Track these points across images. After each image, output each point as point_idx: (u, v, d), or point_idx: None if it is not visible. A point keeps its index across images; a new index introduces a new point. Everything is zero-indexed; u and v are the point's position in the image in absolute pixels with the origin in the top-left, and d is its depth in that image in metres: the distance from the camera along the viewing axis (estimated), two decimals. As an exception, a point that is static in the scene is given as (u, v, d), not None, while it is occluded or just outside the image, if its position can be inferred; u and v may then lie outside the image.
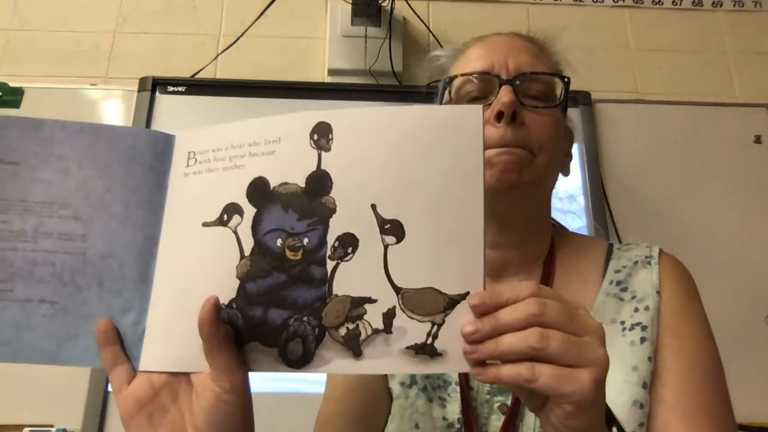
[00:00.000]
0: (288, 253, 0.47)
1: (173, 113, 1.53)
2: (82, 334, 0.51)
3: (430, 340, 0.44)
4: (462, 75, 0.69)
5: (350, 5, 1.63)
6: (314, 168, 0.47)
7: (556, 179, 0.73)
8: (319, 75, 1.66)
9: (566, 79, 0.69)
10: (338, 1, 1.66)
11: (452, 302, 0.44)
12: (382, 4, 1.63)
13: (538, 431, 0.60)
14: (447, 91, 0.71)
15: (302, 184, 0.47)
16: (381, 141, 0.47)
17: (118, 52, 1.66)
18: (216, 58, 1.64)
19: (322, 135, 0.48)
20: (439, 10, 1.74)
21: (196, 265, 0.49)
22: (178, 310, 0.47)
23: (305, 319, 0.46)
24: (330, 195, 0.47)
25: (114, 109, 1.55)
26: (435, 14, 1.73)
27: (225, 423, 0.46)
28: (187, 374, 0.48)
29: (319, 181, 0.47)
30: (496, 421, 0.63)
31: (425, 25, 1.70)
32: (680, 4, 1.79)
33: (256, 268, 0.47)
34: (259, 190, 0.48)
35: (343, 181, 0.47)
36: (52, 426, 1.28)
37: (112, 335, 0.49)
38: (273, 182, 0.48)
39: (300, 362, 0.45)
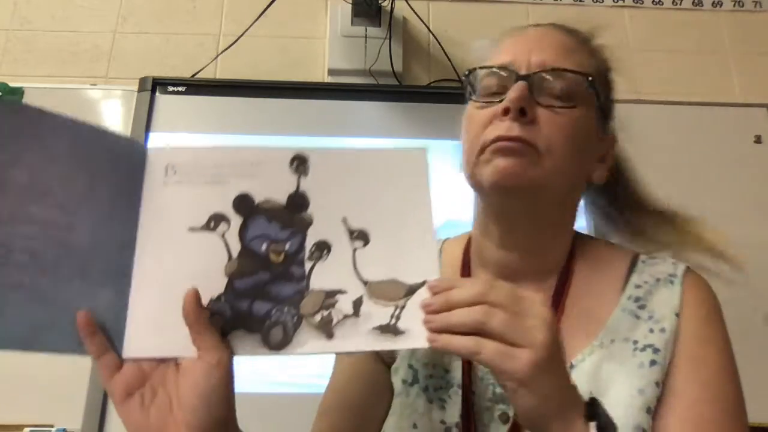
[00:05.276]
0: (272, 256, 0.56)
1: (173, 113, 1.53)
2: (62, 322, 0.50)
3: (393, 321, 0.53)
4: (481, 68, 0.68)
5: (350, 5, 1.63)
6: (294, 189, 0.57)
7: (578, 185, 0.68)
8: (319, 75, 1.66)
9: (590, 78, 0.65)
10: (338, 1, 1.66)
11: (411, 289, 0.54)
12: (382, 4, 1.63)
13: None
14: (469, 85, 0.69)
15: (283, 202, 0.57)
16: (349, 171, 0.59)
17: (118, 52, 1.66)
18: (216, 58, 1.65)
19: (300, 163, 0.58)
20: (439, 10, 1.74)
21: (184, 264, 0.55)
22: (166, 303, 0.53)
23: (286, 309, 0.54)
24: (308, 211, 0.57)
25: (114, 109, 1.55)
26: (435, 14, 1.73)
27: (211, 397, 0.50)
28: (174, 360, 0.53)
29: (299, 200, 0.57)
30: (496, 429, 0.62)
31: (425, 25, 1.70)
32: (680, 4, 1.79)
33: (243, 268, 0.55)
34: (245, 203, 0.57)
35: (318, 200, 0.57)
36: (52, 426, 1.29)
37: (93, 326, 0.51)
38: (256, 198, 0.57)
39: (280, 345, 0.53)
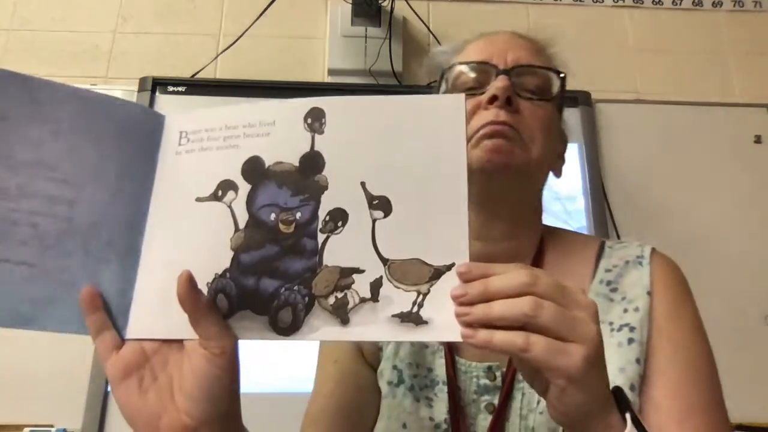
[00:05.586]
0: (281, 227, 0.49)
1: (173, 113, 1.53)
2: (63, 299, 0.49)
3: (415, 309, 0.46)
4: (460, 63, 0.70)
5: (350, 5, 1.63)
6: (308, 149, 0.51)
7: (546, 178, 0.72)
8: (319, 75, 1.66)
9: (562, 75, 0.69)
10: (338, 1, 1.66)
11: (438, 273, 0.46)
12: (382, 4, 1.63)
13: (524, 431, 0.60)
14: (445, 81, 0.71)
15: (296, 164, 0.50)
16: (371, 125, 0.50)
17: (118, 52, 1.66)
18: (216, 58, 1.65)
19: (315, 119, 0.51)
20: (439, 10, 1.74)
21: (190, 237, 0.50)
22: (172, 281, 0.47)
23: (296, 288, 0.48)
24: (322, 173, 0.50)
25: (114, 109, 1.55)
26: (435, 14, 1.73)
27: (213, 385, 0.47)
28: (179, 341, 0.49)
29: (313, 161, 0.50)
30: (483, 420, 0.63)
31: (425, 25, 1.70)
32: (680, 4, 1.79)
33: (250, 240, 0.49)
34: (254, 168, 0.51)
35: (334, 161, 0.50)
36: (52, 426, 1.28)
37: (97, 302, 0.49)
38: (267, 161, 0.51)
39: (289, 330, 0.47)
